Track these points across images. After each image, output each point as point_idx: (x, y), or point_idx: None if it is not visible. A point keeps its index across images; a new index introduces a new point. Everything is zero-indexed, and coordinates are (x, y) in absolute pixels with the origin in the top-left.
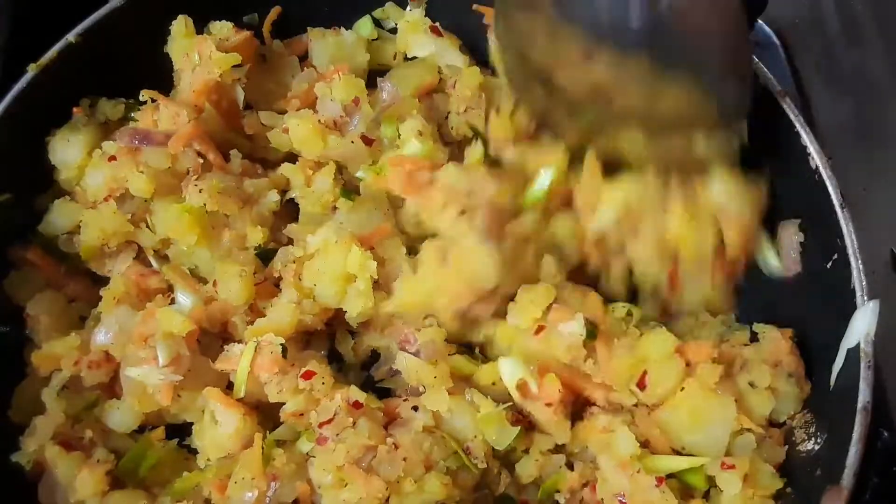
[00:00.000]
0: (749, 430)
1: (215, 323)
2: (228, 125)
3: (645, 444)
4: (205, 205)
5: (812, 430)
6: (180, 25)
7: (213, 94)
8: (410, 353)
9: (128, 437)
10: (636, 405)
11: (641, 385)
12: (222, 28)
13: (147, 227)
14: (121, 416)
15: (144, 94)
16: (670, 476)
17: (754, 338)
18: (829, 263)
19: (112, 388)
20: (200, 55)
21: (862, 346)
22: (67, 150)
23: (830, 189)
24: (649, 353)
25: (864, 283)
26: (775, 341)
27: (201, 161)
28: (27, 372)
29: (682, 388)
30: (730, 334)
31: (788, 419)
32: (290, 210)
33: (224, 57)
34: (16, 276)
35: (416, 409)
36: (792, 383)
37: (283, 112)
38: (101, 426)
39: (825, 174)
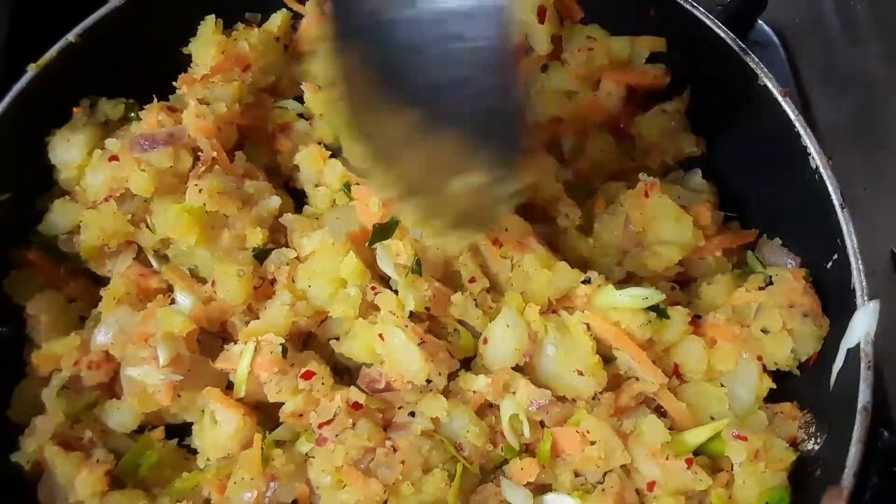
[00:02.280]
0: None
1: (215, 323)
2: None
3: (670, 427)
4: (205, 205)
5: (812, 430)
6: (209, 25)
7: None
8: (379, 389)
9: (128, 437)
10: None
11: (677, 374)
12: (246, 32)
13: (147, 227)
14: (121, 416)
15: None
16: (697, 453)
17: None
18: (829, 263)
19: (112, 388)
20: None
21: (862, 346)
22: (67, 150)
23: (830, 189)
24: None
25: (864, 283)
26: (788, 283)
27: (201, 161)
28: (27, 372)
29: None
30: (744, 280)
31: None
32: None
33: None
34: (16, 276)
35: (412, 414)
36: (809, 322)
37: None
38: (101, 426)
39: (825, 174)
